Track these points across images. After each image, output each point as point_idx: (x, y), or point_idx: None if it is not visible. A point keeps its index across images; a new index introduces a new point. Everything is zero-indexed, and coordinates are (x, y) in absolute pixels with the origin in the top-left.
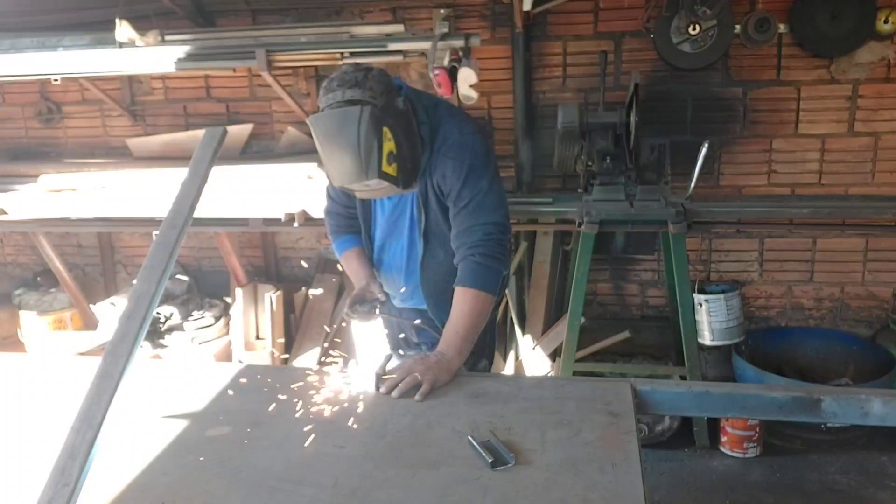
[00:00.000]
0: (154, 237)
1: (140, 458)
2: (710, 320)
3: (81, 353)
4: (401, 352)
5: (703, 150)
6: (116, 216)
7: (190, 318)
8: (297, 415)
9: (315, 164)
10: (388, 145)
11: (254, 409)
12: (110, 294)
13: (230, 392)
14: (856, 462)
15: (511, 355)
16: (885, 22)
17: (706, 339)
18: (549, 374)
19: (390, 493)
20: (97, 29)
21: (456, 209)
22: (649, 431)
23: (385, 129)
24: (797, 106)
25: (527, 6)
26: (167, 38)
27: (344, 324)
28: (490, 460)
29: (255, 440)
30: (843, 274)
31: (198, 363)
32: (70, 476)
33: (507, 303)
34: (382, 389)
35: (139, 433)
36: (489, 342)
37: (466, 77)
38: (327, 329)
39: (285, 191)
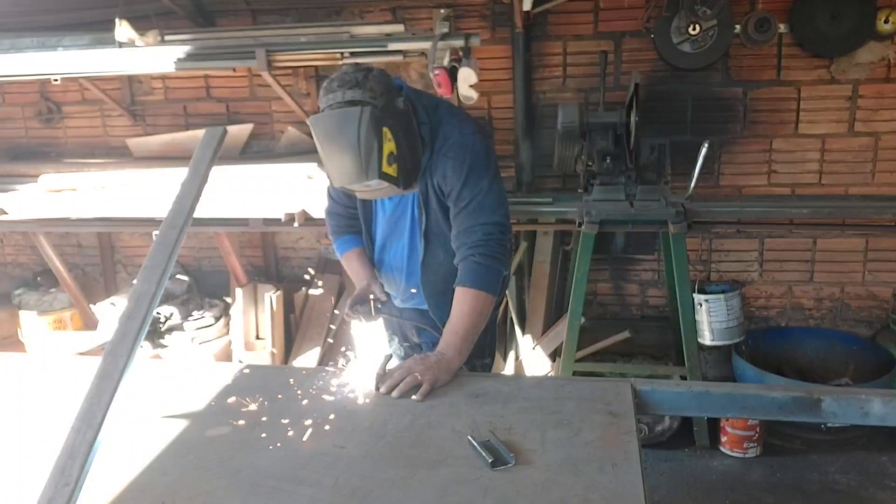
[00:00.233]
0: (154, 237)
1: (140, 458)
2: (710, 320)
3: (81, 353)
4: (403, 350)
5: (703, 150)
6: (116, 216)
7: (190, 318)
8: (297, 411)
9: (315, 164)
10: (389, 146)
11: (254, 409)
12: (110, 294)
13: (230, 392)
14: (856, 462)
15: (511, 355)
16: (885, 22)
17: (706, 339)
18: (549, 374)
19: (390, 493)
20: (97, 29)
21: (456, 209)
22: (649, 431)
23: (385, 129)
24: (797, 106)
25: (527, 6)
26: (167, 38)
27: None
28: (490, 460)
29: (255, 440)
30: (843, 274)
31: (198, 363)
32: (70, 476)
33: (507, 303)
34: (382, 389)
35: (139, 433)
36: (489, 342)
37: (466, 77)
38: (331, 327)
39: (285, 191)
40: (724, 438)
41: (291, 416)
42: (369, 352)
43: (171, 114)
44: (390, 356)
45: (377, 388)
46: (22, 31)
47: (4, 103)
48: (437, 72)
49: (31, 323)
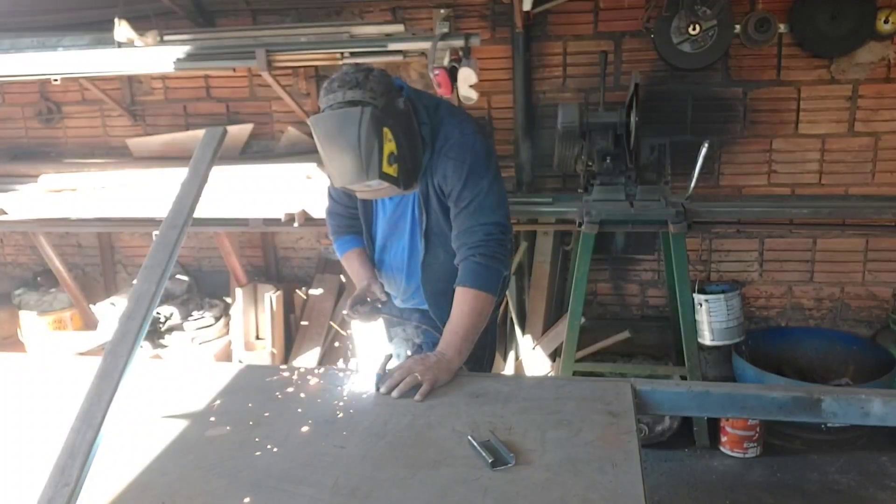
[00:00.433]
0: (154, 237)
1: (140, 458)
2: (710, 320)
3: (81, 353)
4: (408, 352)
5: (703, 150)
6: (116, 216)
7: (190, 318)
8: (297, 412)
9: (315, 164)
10: (389, 146)
11: (254, 409)
12: (110, 294)
13: (230, 392)
14: (856, 462)
15: (511, 355)
16: (885, 22)
17: (706, 339)
18: (549, 374)
19: (390, 493)
20: (97, 29)
21: (457, 209)
22: (649, 431)
23: (386, 129)
24: (797, 106)
25: (527, 6)
26: (167, 38)
27: (346, 328)
28: (490, 460)
29: (255, 440)
30: (843, 274)
31: (198, 363)
32: (70, 476)
33: (507, 303)
34: (382, 389)
35: (139, 433)
36: (489, 342)
37: (466, 77)
38: (337, 328)
39: (285, 191)
40: (724, 438)
41: (291, 417)
42: (369, 352)
43: (171, 114)
44: (390, 356)
45: (377, 388)
46: (22, 31)
47: (4, 103)
48: (437, 72)
49: (31, 323)
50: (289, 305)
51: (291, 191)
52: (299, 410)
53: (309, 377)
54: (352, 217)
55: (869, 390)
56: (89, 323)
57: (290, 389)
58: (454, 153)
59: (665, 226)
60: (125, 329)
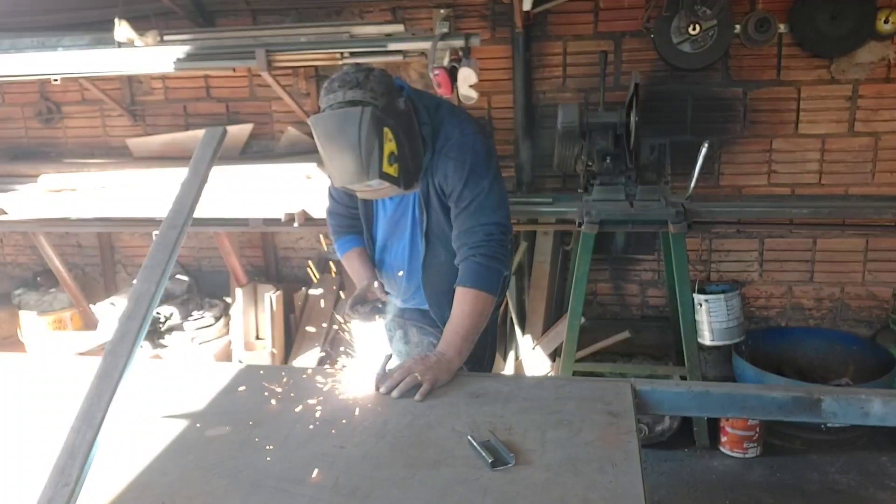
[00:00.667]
0: (154, 237)
1: (140, 458)
2: (710, 320)
3: (81, 353)
4: (404, 350)
5: (703, 150)
6: (116, 216)
7: (190, 318)
8: (297, 412)
9: (315, 164)
10: (389, 146)
11: (254, 409)
12: (110, 294)
13: (230, 392)
14: (856, 462)
15: (511, 355)
16: (885, 22)
17: (706, 339)
18: (549, 374)
19: (390, 493)
20: (97, 29)
21: (457, 209)
22: (649, 431)
23: (386, 129)
24: (797, 106)
25: (527, 6)
26: (167, 38)
27: (345, 326)
28: (490, 460)
29: (255, 440)
30: (843, 274)
31: (198, 363)
32: (70, 476)
33: (507, 303)
34: (382, 389)
35: (139, 433)
36: (490, 342)
37: (466, 77)
38: (337, 319)
39: (285, 191)
40: (724, 438)
41: (291, 417)
42: (369, 352)
43: (170, 114)
44: (390, 356)
45: (377, 388)
46: (22, 31)
47: (4, 103)
48: (437, 72)
49: (31, 323)
50: (289, 305)
51: (291, 191)
52: (299, 410)
53: (308, 377)
54: (352, 217)
55: (869, 390)
56: (89, 323)
57: (290, 389)
58: (455, 153)
59: (665, 226)
60: (125, 329)
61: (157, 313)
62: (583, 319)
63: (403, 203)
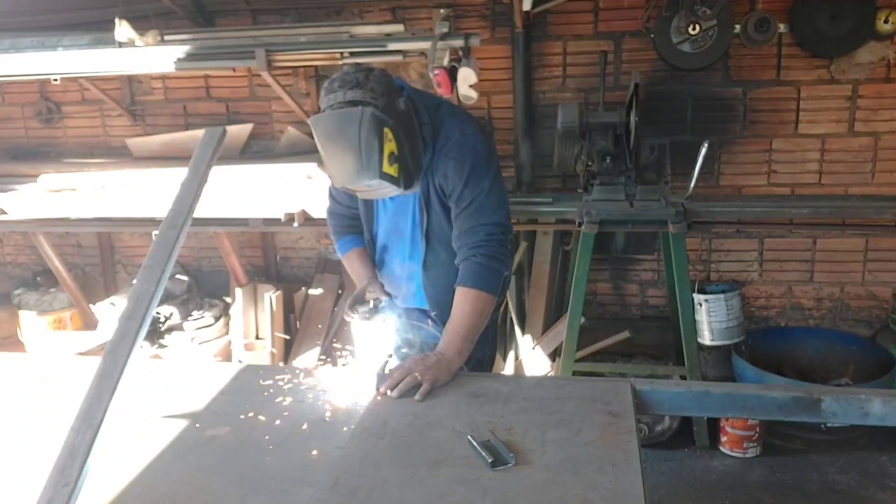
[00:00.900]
0: (154, 237)
1: (140, 458)
2: (710, 320)
3: (81, 353)
4: (404, 350)
5: (703, 150)
6: (116, 216)
7: (190, 318)
8: (297, 412)
9: (315, 164)
10: (390, 146)
11: (254, 409)
12: (110, 294)
13: (230, 392)
14: (856, 462)
15: (511, 355)
16: (885, 22)
17: (706, 339)
18: (549, 374)
19: (390, 493)
20: (97, 29)
21: (457, 209)
22: (649, 431)
23: (386, 129)
24: (797, 106)
25: (527, 6)
26: (167, 38)
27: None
28: (490, 460)
29: (255, 440)
30: (843, 274)
31: (198, 363)
32: (70, 476)
33: (507, 303)
34: (382, 389)
35: (139, 433)
36: (490, 342)
37: (466, 77)
38: (343, 319)
39: (285, 191)
40: (724, 438)
41: (291, 417)
42: (369, 352)
43: (170, 114)
44: (390, 356)
45: (377, 388)
46: (22, 31)
47: (4, 103)
48: (436, 72)
49: (31, 323)
50: (289, 305)
51: (291, 191)
52: (299, 410)
53: (308, 377)
54: (353, 217)
55: (869, 390)
56: (89, 323)
57: (290, 389)
58: (455, 153)
59: (665, 226)
60: (125, 329)
61: (157, 313)
62: (583, 319)
63: (404, 203)
